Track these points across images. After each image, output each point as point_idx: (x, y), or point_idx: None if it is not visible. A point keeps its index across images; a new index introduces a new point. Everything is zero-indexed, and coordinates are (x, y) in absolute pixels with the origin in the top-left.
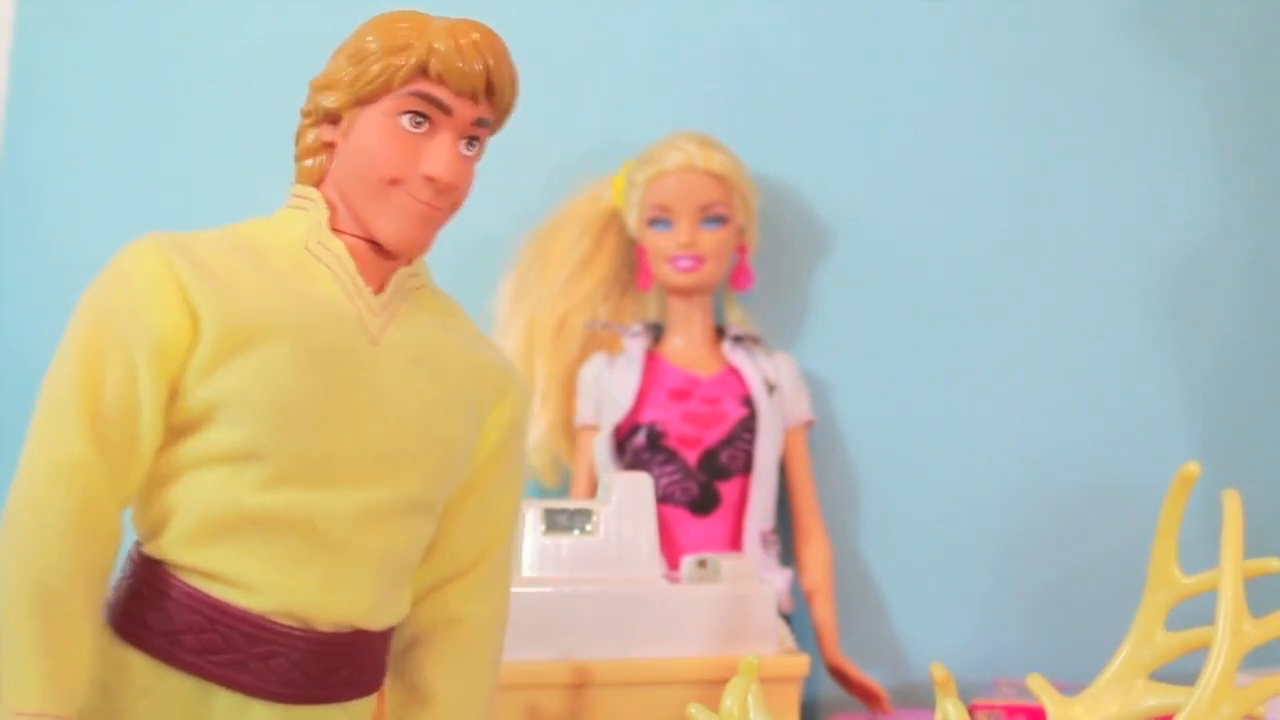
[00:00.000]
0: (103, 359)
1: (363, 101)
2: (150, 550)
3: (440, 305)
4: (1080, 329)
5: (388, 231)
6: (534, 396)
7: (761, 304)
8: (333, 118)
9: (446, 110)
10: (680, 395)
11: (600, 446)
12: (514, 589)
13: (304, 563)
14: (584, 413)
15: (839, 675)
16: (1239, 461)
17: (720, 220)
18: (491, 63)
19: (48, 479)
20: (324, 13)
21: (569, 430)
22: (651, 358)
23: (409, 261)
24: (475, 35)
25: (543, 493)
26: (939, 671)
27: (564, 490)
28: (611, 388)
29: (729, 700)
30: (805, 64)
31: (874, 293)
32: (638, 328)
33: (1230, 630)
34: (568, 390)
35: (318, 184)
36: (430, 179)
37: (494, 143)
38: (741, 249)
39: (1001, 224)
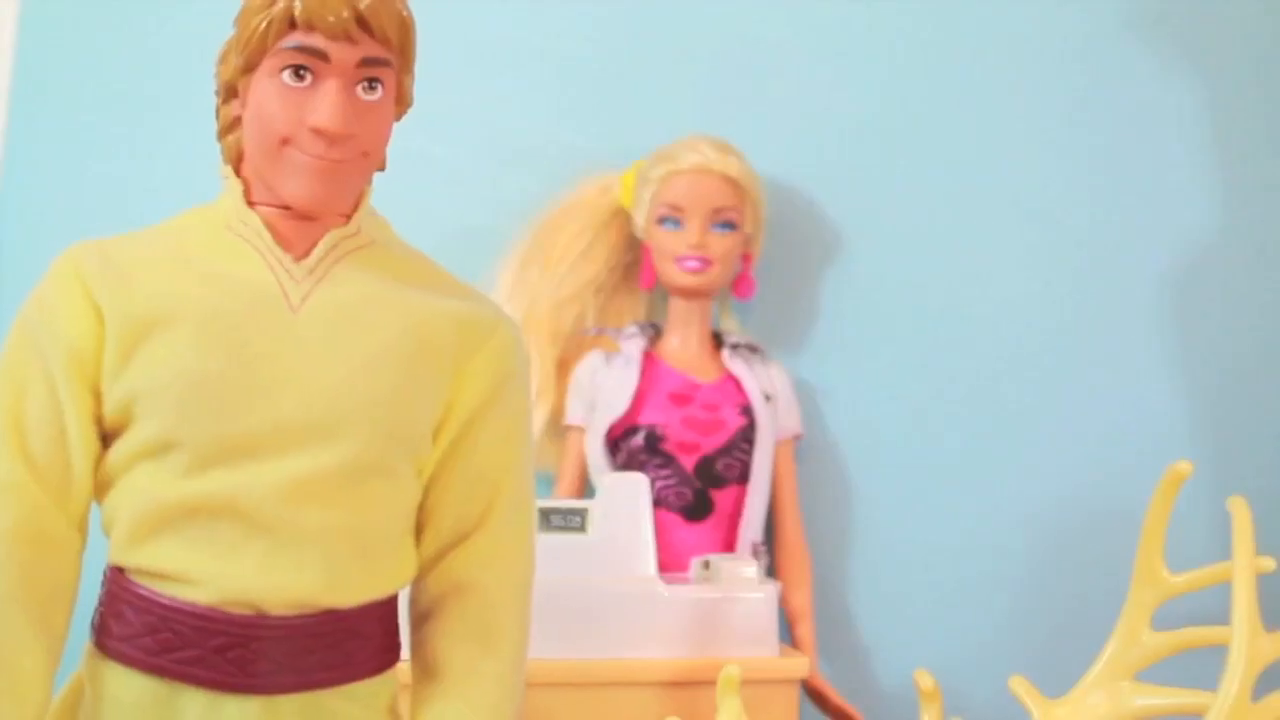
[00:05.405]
0: (24, 379)
1: (250, 67)
2: (109, 557)
3: (396, 261)
4: (1084, 340)
5: (291, 193)
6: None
7: (751, 308)
8: (234, 90)
9: (323, 57)
10: (680, 400)
11: (593, 446)
12: None
13: (240, 548)
14: (574, 412)
15: (817, 697)
16: (1246, 471)
17: (731, 226)
18: (361, 1)
19: None
20: None
21: (558, 428)
22: (649, 358)
23: (344, 221)
24: None
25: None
26: (925, 681)
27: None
28: (607, 387)
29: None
30: (807, 69)
31: (867, 301)
32: (633, 329)
33: (1246, 646)
34: (560, 387)
35: (238, 161)
36: (317, 131)
37: (490, 136)
38: (746, 257)
39: (1003, 231)
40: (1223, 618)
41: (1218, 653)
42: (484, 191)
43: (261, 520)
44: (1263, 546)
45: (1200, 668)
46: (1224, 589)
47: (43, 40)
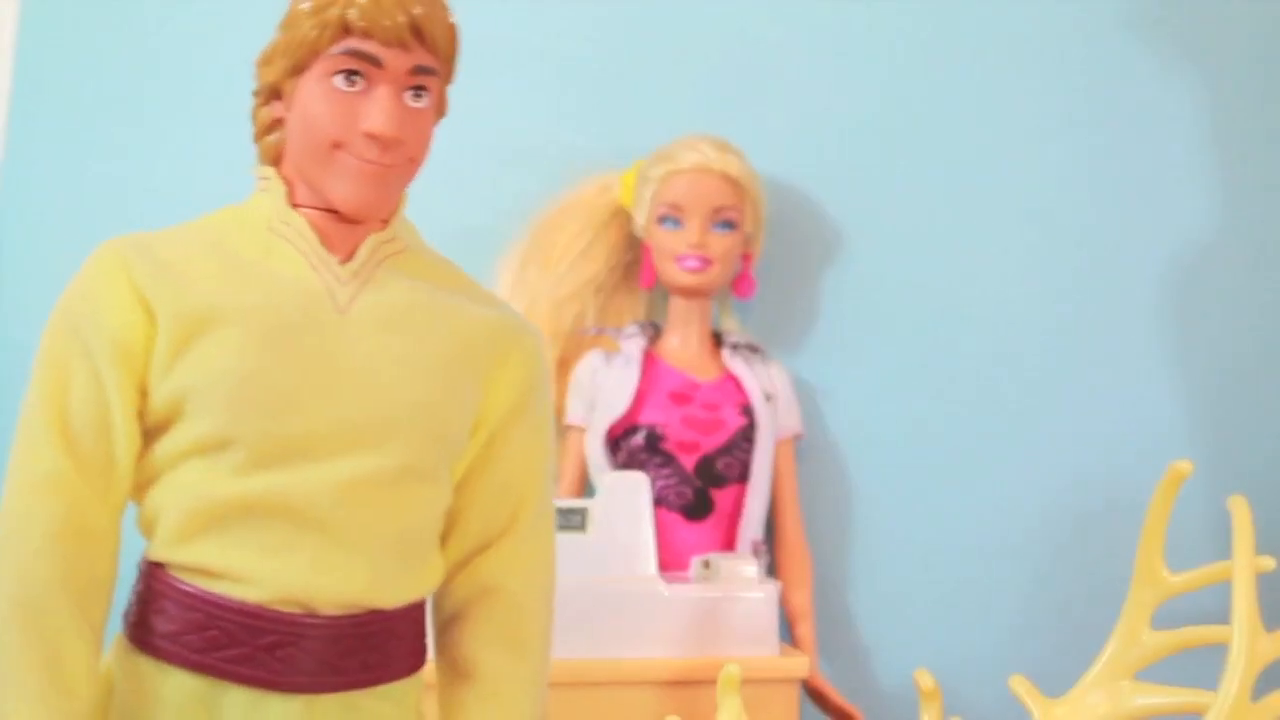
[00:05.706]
0: (67, 369)
1: (299, 70)
2: (149, 553)
3: (427, 267)
4: (1084, 340)
5: (340, 196)
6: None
7: (751, 307)
8: (277, 92)
9: (377, 63)
10: (680, 399)
11: (593, 445)
12: None
13: (291, 546)
14: (574, 412)
15: (817, 697)
16: (1245, 471)
17: (730, 225)
18: (416, 9)
19: (27, 494)
20: None
21: (558, 427)
22: (649, 358)
23: (383, 226)
24: None
25: None
26: (925, 680)
27: None
28: (607, 387)
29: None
30: (807, 69)
31: (867, 301)
32: (633, 329)
33: (1246, 645)
34: (560, 386)
35: (276, 162)
36: (371, 136)
37: (490, 136)
38: (746, 257)
39: (1003, 231)
40: (1223, 617)
41: (1218, 652)
42: (484, 191)
43: (314, 519)
44: (1263, 546)
45: (1200, 668)
46: (1224, 589)
47: (43, 40)
